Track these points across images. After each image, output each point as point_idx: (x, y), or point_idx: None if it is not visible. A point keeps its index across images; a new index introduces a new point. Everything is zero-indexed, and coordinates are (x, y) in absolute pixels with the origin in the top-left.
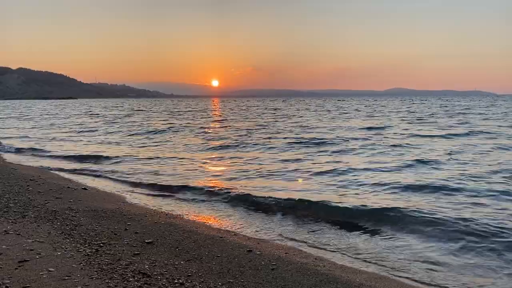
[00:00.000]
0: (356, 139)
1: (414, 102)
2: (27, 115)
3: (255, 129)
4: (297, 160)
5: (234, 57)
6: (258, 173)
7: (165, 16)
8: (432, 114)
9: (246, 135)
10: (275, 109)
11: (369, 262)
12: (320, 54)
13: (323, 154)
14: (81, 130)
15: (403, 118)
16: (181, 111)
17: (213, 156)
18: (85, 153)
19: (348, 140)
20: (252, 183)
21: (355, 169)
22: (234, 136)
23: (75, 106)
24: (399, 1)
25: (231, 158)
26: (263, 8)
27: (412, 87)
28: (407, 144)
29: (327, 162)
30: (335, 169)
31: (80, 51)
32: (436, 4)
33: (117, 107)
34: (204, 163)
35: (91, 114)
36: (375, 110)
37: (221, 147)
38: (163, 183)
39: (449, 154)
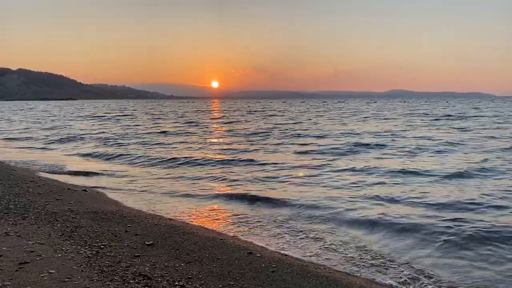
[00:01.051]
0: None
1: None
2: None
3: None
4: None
5: (234, 58)
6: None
7: (165, 17)
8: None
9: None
10: (279, 111)
11: (371, 264)
12: (320, 55)
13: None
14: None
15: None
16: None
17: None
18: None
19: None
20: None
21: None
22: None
23: (71, 107)
24: (399, 1)
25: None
26: (263, 9)
27: (411, 89)
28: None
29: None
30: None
31: (80, 52)
32: (436, 5)
33: (115, 108)
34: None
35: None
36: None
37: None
38: None
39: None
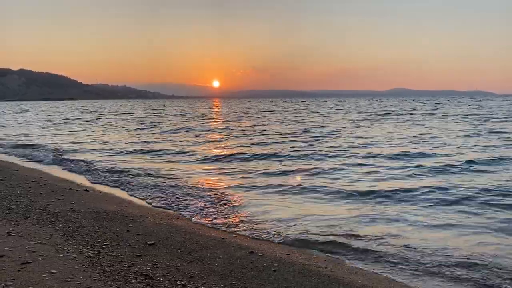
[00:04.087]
0: None
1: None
2: None
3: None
4: None
5: (234, 58)
6: None
7: (165, 17)
8: None
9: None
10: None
11: (373, 263)
12: (320, 54)
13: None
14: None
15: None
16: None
17: None
18: None
19: None
20: None
21: None
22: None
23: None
24: (399, 1)
25: None
26: (264, 8)
27: (413, 87)
28: None
29: None
30: None
31: (81, 52)
32: (436, 4)
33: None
34: None
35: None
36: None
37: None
38: None
39: None
